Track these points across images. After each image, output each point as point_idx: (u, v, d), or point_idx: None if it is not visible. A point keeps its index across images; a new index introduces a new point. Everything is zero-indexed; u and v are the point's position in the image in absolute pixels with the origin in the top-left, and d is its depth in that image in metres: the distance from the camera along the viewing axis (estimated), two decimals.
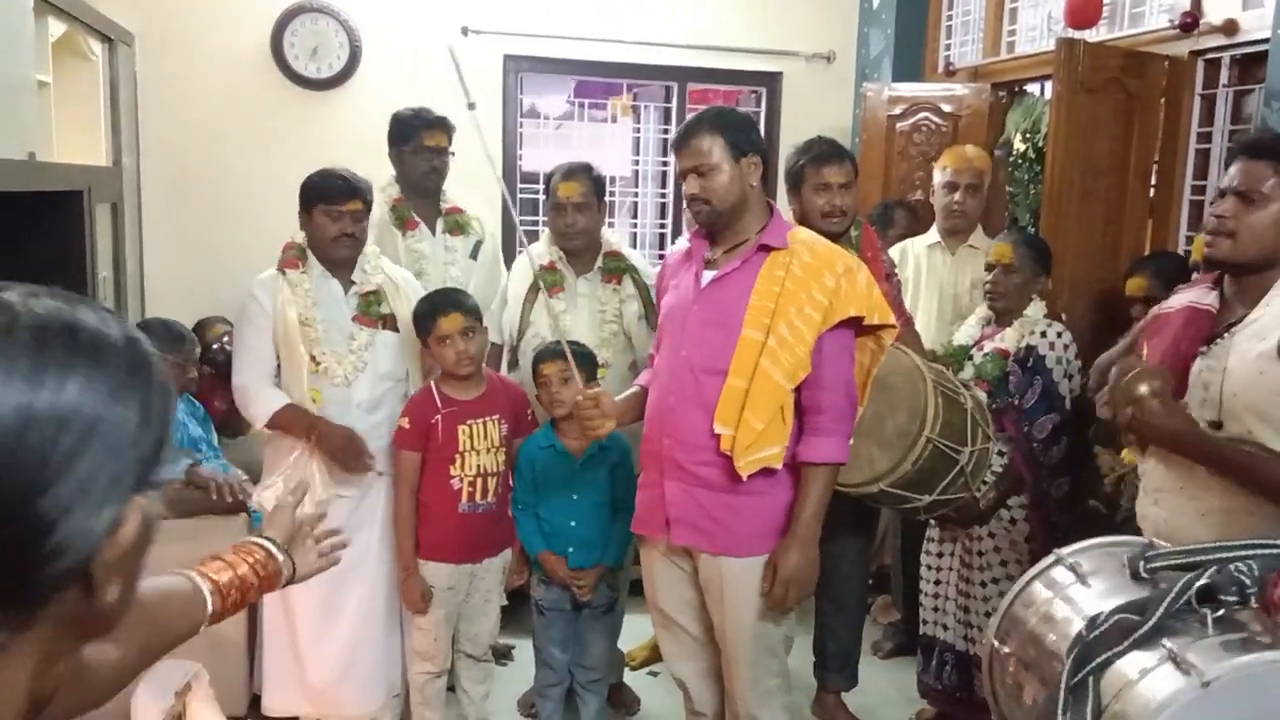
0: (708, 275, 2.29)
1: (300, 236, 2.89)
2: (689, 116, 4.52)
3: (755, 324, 2.18)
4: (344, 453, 2.75)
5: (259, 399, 2.78)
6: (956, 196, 3.56)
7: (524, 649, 3.28)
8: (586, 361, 2.78)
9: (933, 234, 3.68)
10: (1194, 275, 2.76)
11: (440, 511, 2.78)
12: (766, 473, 2.20)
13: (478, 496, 2.79)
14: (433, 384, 2.81)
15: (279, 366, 2.83)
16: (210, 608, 1.17)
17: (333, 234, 2.79)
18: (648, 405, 2.38)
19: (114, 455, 0.63)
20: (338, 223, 2.78)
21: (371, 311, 2.86)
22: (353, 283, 2.87)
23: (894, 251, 3.66)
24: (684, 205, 2.48)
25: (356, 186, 2.82)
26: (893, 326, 2.31)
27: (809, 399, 2.21)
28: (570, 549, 2.80)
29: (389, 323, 2.89)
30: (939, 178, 3.63)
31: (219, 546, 2.95)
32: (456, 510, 2.77)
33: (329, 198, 2.78)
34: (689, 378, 2.24)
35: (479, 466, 2.78)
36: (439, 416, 2.75)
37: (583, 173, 3.06)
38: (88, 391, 0.62)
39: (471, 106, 2.42)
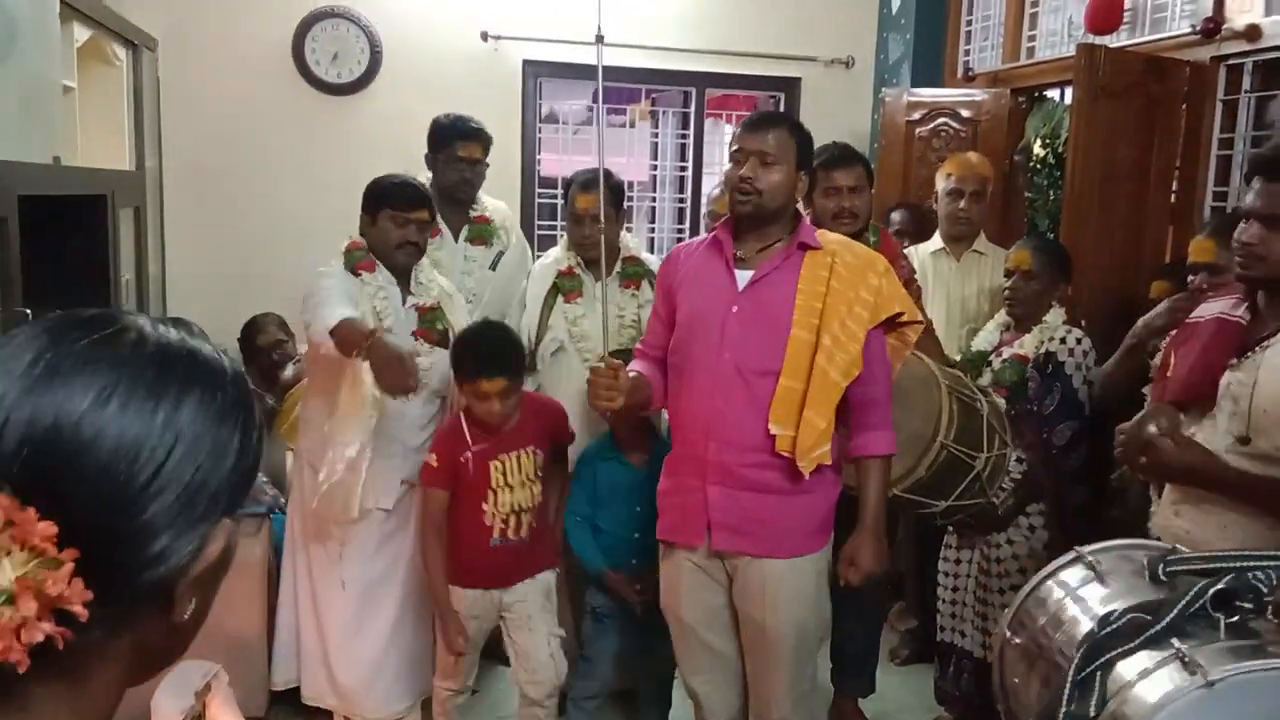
0: (744, 275, 2.28)
1: (346, 239, 2.83)
2: (707, 121, 4.50)
3: (804, 324, 2.21)
4: (393, 368, 2.39)
5: (328, 309, 2.52)
6: (961, 204, 3.56)
7: None
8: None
9: (936, 240, 3.68)
10: (1189, 279, 2.75)
11: (470, 543, 2.65)
12: (815, 471, 2.22)
13: (510, 533, 2.64)
14: (462, 417, 2.65)
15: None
16: None
17: (396, 240, 2.74)
18: (681, 409, 2.34)
19: (215, 475, 0.68)
20: (402, 229, 2.73)
21: (432, 328, 2.82)
22: (409, 293, 2.82)
23: None
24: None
25: (425, 195, 2.79)
26: (920, 322, 2.36)
27: (859, 395, 2.24)
28: (634, 560, 2.74)
29: (443, 340, 2.84)
30: (942, 185, 3.63)
31: (240, 547, 2.97)
32: (488, 545, 2.64)
33: (396, 203, 2.74)
34: (736, 380, 2.23)
35: (513, 504, 2.63)
36: (469, 454, 2.60)
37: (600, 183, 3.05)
38: (200, 412, 0.67)
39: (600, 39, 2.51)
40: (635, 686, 3.03)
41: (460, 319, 2.90)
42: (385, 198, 2.75)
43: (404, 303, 2.80)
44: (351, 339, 2.45)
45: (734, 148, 2.31)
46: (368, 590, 2.82)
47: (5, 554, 0.58)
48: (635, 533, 2.74)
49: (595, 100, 2.60)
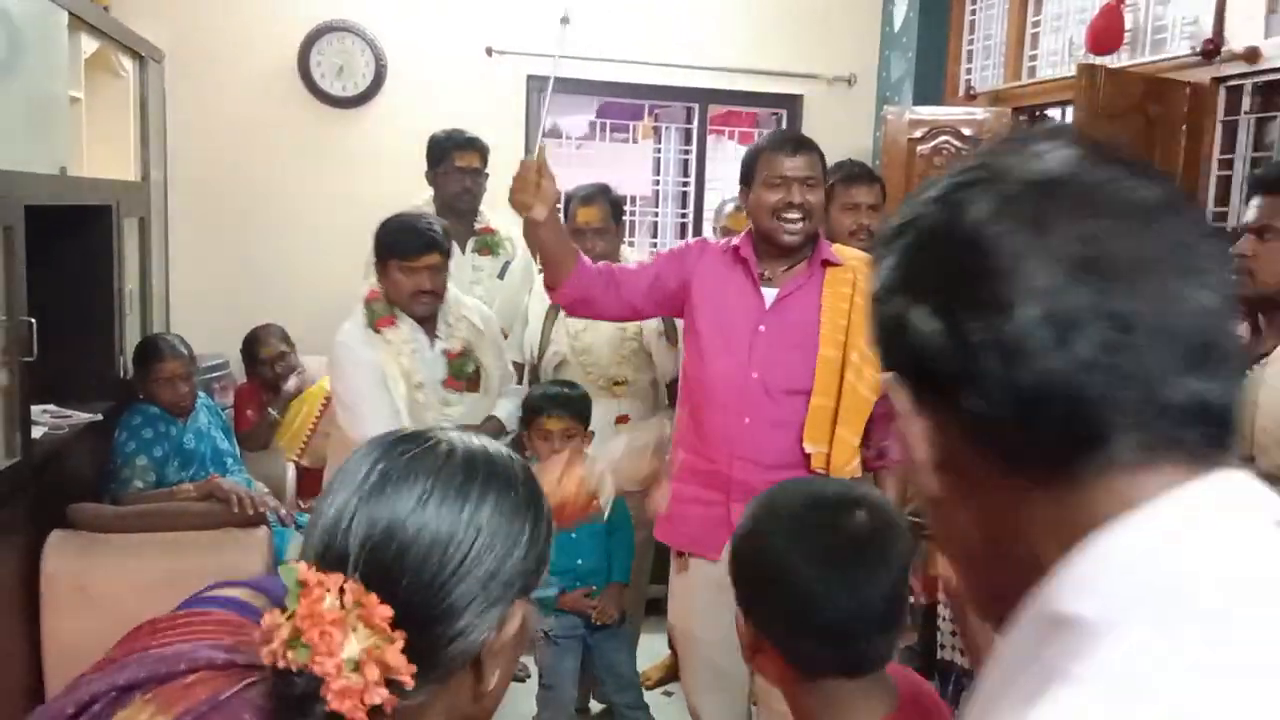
0: (769, 293, 2.29)
1: (372, 282, 2.69)
2: (709, 137, 4.50)
3: (831, 341, 2.23)
4: None
5: (370, 425, 2.43)
6: None
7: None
8: (583, 406, 2.71)
9: None
10: None
11: None
12: None
13: None
14: None
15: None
16: None
17: (409, 290, 2.58)
18: (702, 424, 2.31)
19: (509, 562, 0.81)
20: (414, 278, 2.57)
21: (461, 374, 2.69)
22: (437, 336, 2.68)
23: None
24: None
25: (433, 238, 2.59)
26: None
27: (884, 407, 2.25)
28: (577, 583, 2.75)
29: (473, 383, 2.73)
30: None
31: (239, 559, 2.99)
32: None
33: (403, 253, 2.57)
34: (765, 400, 2.24)
35: None
36: None
37: (600, 196, 3.07)
38: (497, 511, 0.81)
39: (565, 21, 2.42)
40: (603, 703, 3.03)
41: (492, 357, 2.81)
42: (391, 249, 2.59)
43: (432, 346, 2.68)
44: None
45: (771, 173, 2.26)
46: None
47: (353, 630, 0.73)
48: (578, 559, 2.74)
49: (550, 80, 2.49)
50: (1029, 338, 0.51)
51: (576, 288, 2.31)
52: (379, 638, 0.73)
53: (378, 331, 2.60)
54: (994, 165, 0.56)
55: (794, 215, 2.24)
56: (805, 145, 2.31)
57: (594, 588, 2.77)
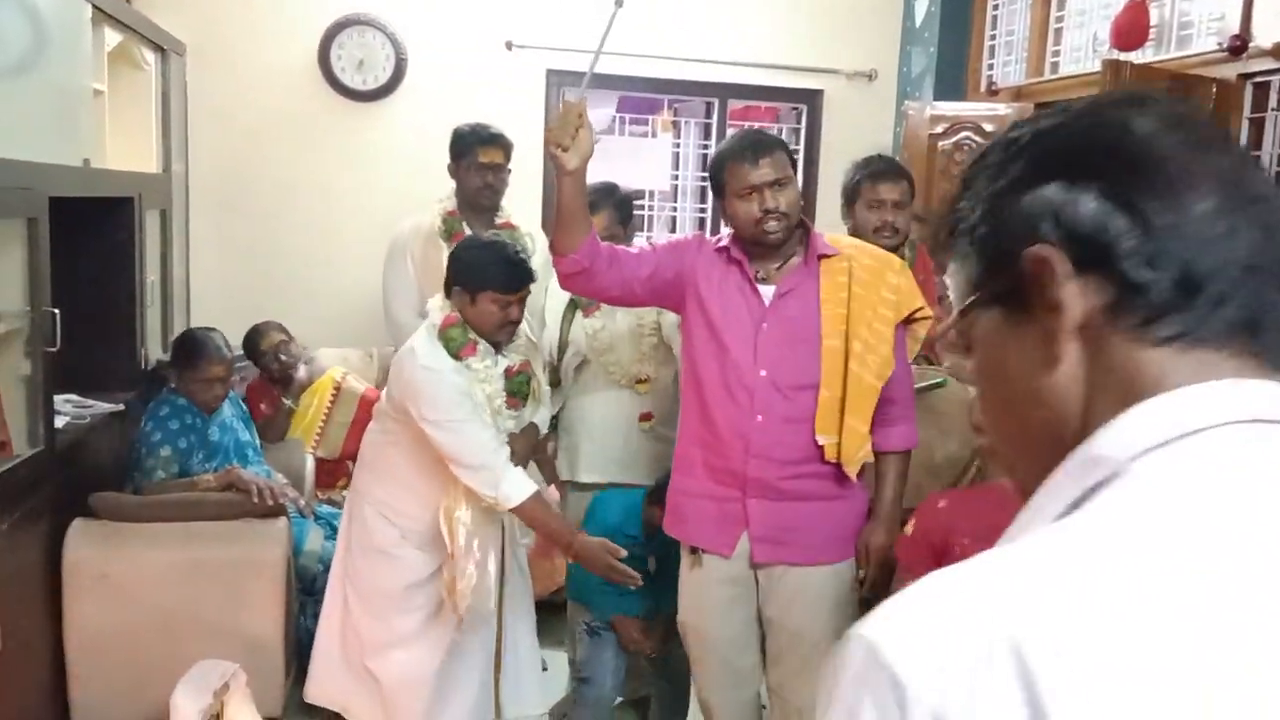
0: (766, 291, 2.29)
1: (441, 304, 2.60)
2: (729, 132, 4.51)
3: (833, 332, 2.24)
4: (606, 569, 2.46)
5: (509, 479, 2.48)
6: None
7: (553, 659, 3.28)
8: None
9: None
10: None
11: None
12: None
13: None
14: None
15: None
16: None
17: (498, 322, 2.51)
18: (713, 424, 2.30)
19: None
20: (504, 311, 2.50)
21: (519, 393, 2.65)
22: (502, 355, 2.63)
23: None
24: (724, 222, 2.43)
25: (529, 271, 2.54)
26: (929, 316, 2.37)
27: (883, 392, 2.27)
28: (643, 599, 2.68)
29: (525, 397, 2.68)
30: None
31: (259, 549, 3.00)
32: None
33: (501, 286, 2.49)
34: (776, 396, 2.24)
35: None
36: None
37: (604, 201, 3.01)
38: None
39: (619, 3, 2.36)
40: (646, 694, 3.01)
41: (540, 368, 2.79)
42: (488, 281, 2.50)
43: (497, 365, 2.62)
44: (548, 528, 2.56)
45: (738, 184, 2.25)
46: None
47: None
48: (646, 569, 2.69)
49: (594, 58, 2.42)
50: (1207, 231, 0.61)
51: (586, 256, 2.28)
52: None
53: (459, 359, 2.54)
54: (1134, 95, 0.67)
55: (772, 221, 2.24)
56: (765, 148, 2.27)
57: (648, 622, 2.70)
